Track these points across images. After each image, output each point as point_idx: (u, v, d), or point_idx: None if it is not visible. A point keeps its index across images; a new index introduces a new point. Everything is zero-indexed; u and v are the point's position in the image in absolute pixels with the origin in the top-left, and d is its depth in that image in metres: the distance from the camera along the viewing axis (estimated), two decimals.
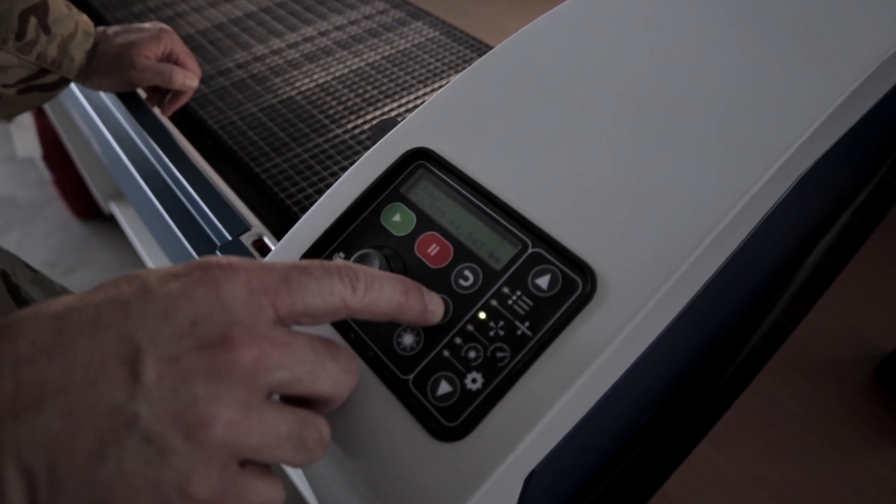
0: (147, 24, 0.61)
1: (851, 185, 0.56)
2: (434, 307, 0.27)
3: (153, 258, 1.42)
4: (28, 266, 0.58)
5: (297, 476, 0.91)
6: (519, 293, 0.27)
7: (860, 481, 0.44)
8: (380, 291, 0.24)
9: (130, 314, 0.20)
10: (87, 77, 0.59)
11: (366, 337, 0.28)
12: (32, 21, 0.53)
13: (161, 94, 0.64)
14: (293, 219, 0.55)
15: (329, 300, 0.23)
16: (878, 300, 0.54)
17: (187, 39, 0.80)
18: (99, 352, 0.19)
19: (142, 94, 0.66)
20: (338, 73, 0.73)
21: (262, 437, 0.20)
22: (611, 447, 0.47)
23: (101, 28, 0.60)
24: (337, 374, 0.23)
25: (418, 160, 0.32)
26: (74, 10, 0.57)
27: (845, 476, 0.44)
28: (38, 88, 0.57)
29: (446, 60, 0.74)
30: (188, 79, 0.62)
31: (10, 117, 0.59)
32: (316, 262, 0.23)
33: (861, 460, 0.45)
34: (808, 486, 0.44)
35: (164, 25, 0.62)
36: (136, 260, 1.57)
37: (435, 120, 0.33)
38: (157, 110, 0.64)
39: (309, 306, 0.22)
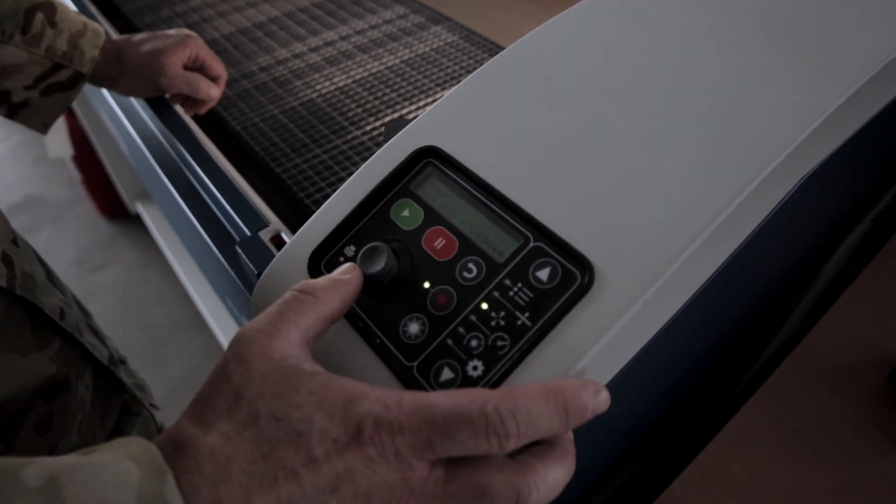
0: (172, 31, 0.63)
1: (871, 189, 0.55)
2: (597, 404, 0.24)
3: (176, 256, 1.45)
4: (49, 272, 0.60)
5: None
6: (520, 285, 0.28)
7: (871, 485, 0.44)
8: (535, 433, 0.22)
9: (303, 486, 0.21)
10: (113, 82, 0.61)
11: (373, 325, 0.29)
12: (38, 17, 0.55)
13: (184, 99, 0.66)
14: (310, 216, 0.56)
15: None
16: (894, 305, 0.54)
17: (212, 44, 0.82)
18: None
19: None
20: (357, 77, 0.75)
21: None
22: (618, 446, 0.48)
23: (125, 35, 0.62)
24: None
25: (427, 158, 0.33)
26: (84, 16, 0.59)
27: (856, 479, 0.44)
28: (58, 87, 0.58)
29: (464, 64, 0.75)
30: (213, 89, 0.63)
31: (45, 127, 0.61)
32: (467, 416, 0.22)
33: (873, 464, 0.45)
34: (818, 489, 0.44)
35: (189, 31, 0.63)
36: (160, 258, 1.61)
37: (444, 119, 0.34)
38: (180, 108, 0.66)
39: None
